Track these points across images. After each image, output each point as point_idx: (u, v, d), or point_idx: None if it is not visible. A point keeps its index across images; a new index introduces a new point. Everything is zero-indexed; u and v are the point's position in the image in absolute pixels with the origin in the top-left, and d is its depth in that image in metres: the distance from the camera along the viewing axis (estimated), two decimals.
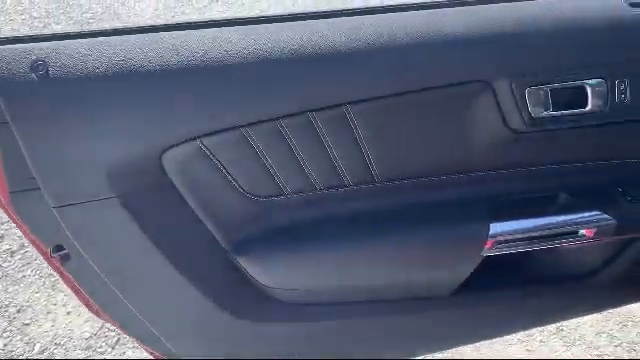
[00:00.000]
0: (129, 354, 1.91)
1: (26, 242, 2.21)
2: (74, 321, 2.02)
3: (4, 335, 1.98)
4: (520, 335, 1.90)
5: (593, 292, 1.20)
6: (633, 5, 0.91)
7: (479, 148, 0.94)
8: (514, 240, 0.98)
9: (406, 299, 1.08)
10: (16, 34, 0.78)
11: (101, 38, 0.78)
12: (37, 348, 1.95)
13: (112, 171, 0.79)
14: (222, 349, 1.02)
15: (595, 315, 1.94)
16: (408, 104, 0.87)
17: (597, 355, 1.84)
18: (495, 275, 1.13)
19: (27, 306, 2.09)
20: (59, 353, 1.93)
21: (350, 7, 0.88)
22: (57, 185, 0.79)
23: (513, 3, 0.90)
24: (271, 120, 0.84)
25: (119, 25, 0.81)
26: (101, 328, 1.98)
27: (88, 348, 1.93)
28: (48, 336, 1.98)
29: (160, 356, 1.02)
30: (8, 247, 2.30)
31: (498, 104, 0.89)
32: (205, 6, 3.96)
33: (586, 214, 1.00)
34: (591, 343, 1.87)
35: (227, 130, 0.83)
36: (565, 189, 1.02)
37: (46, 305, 2.09)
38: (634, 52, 0.91)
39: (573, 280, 1.19)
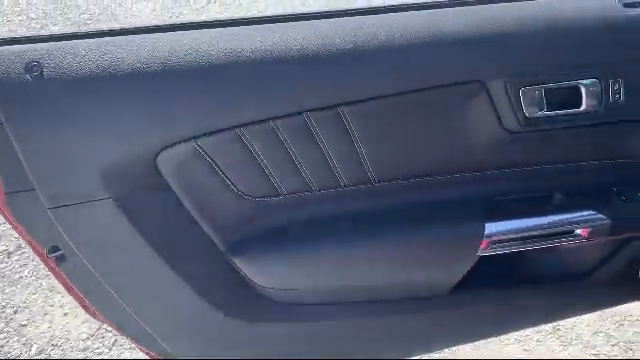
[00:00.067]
0: (126, 355, 1.91)
1: (23, 243, 2.21)
2: (71, 322, 2.02)
3: (1, 336, 1.98)
4: (517, 335, 1.90)
5: (589, 292, 1.20)
6: (627, 5, 0.92)
7: (474, 148, 0.95)
8: (509, 240, 0.99)
9: (402, 299, 1.08)
10: (11, 35, 0.78)
11: (96, 39, 0.78)
12: (34, 349, 1.95)
13: (107, 172, 0.79)
14: (218, 349, 1.03)
15: (592, 314, 1.94)
16: (403, 104, 0.88)
17: (594, 354, 1.84)
18: (491, 275, 1.13)
19: (24, 307, 2.08)
20: (56, 354, 1.93)
21: (345, 8, 0.88)
22: (52, 186, 0.79)
23: (508, 4, 0.90)
24: (266, 120, 0.84)
25: (114, 26, 0.81)
26: (98, 329, 1.98)
27: (85, 349, 1.93)
28: (45, 337, 1.98)
29: (156, 356, 1.02)
30: (5, 248, 2.29)
31: (493, 104, 0.90)
32: (203, 7, 3.96)
33: (581, 214, 1.00)
34: (588, 342, 1.88)
35: (222, 131, 0.83)
36: (560, 189, 1.03)
37: (43, 306, 2.09)
38: (628, 52, 0.92)
39: (569, 280, 1.19)
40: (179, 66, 0.77)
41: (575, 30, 0.88)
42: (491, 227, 0.96)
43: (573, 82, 0.91)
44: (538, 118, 0.91)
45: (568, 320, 1.93)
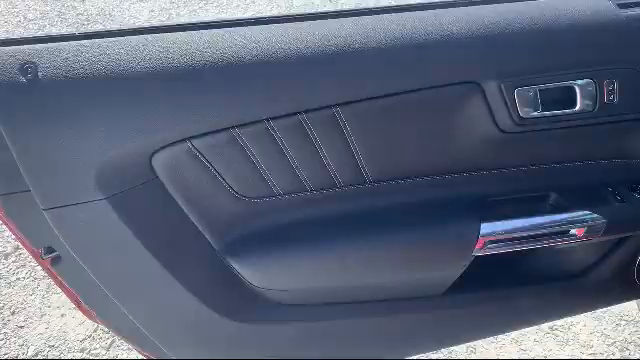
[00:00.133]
0: (124, 356, 1.91)
1: (20, 244, 2.20)
2: (68, 323, 2.02)
3: None
4: (514, 335, 1.91)
5: (585, 291, 1.20)
6: (622, 6, 0.92)
7: (469, 148, 0.95)
8: (505, 240, 0.99)
9: (398, 299, 1.09)
10: (6, 36, 0.78)
11: (91, 40, 0.78)
12: (31, 350, 1.95)
13: (102, 173, 0.79)
14: (213, 350, 1.02)
15: (588, 314, 1.95)
16: (398, 105, 0.88)
17: (591, 354, 1.85)
18: (487, 275, 1.14)
19: (21, 308, 2.08)
20: (53, 355, 1.93)
21: (339, 9, 0.88)
22: (47, 187, 0.78)
23: (502, 4, 0.90)
24: (261, 121, 0.84)
25: (108, 27, 0.81)
26: (95, 330, 1.98)
27: (82, 350, 1.93)
28: (42, 338, 1.98)
29: (152, 357, 1.02)
30: (2, 249, 2.29)
31: (488, 105, 0.90)
32: (200, 7, 3.96)
33: (576, 214, 1.00)
34: (585, 342, 1.88)
35: (217, 131, 0.83)
36: (555, 189, 1.03)
37: (40, 307, 2.08)
38: (623, 52, 0.92)
39: (565, 280, 1.19)
40: (174, 67, 0.77)
41: (570, 31, 0.88)
42: (487, 227, 0.96)
43: (568, 82, 0.91)
44: (533, 118, 0.91)
45: (565, 320, 1.93)
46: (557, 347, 1.87)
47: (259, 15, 0.86)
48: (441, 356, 1.84)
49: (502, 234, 0.98)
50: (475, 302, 1.13)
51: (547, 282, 1.18)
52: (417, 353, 1.21)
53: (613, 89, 0.92)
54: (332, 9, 0.88)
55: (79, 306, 0.99)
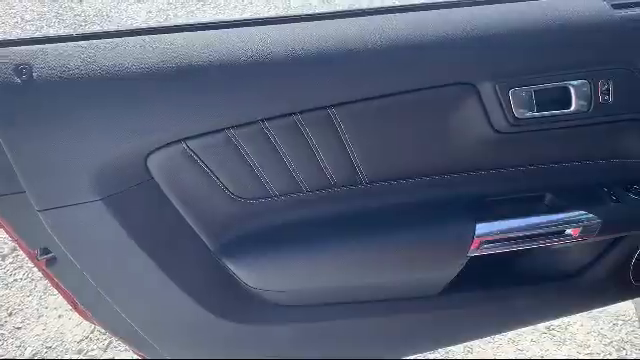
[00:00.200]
0: (121, 357, 1.91)
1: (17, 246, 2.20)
2: (66, 324, 2.02)
3: None
4: (511, 335, 1.91)
5: (581, 291, 1.21)
6: (616, 7, 0.92)
7: (465, 149, 0.95)
8: (500, 240, 0.99)
9: (394, 299, 1.09)
10: (0, 37, 0.78)
11: (85, 42, 0.78)
12: (28, 352, 1.94)
13: (97, 174, 0.79)
14: (209, 350, 1.02)
15: (585, 314, 1.95)
16: (393, 106, 0.88)
17: (588, 354, 1.85)
18: (484, 275, 1.14)
19: (19, 310, 2.08)
20: (51, 356, 1.92)
21: (335, 10, 0.88)
22: (42, 188, 0.78)
23: (497, 5, 0.91)
24: (256, 122, 0.84)
25: (103, 29, 0.81)
26: (93, 331, 1.97)
27: (80, 351, 1.93)
28: (40, 340, 1.98)
29: (147, 357, 1.02)
30: None
31: (483, 105, 0.90)
32: (198, 9, 3.96)
33: (571, 214, 1.00)
34: (582, 342, 1.89)
35: (212, 132, 0.83)
36: (550, 189, 1.03)
37: (38, 309, 2.08)
38: (617, 53, 0.92)
39: (561, 280, 1.20)
40: (169, 68, 0.77)
41: (564, 31, 0.89)
42: (482, 227, 0.97)
43: (562, 83, 0.91)
44: (528, 119, 0.92)
45: (562, 320, 1.94)
46: (554, 347, 1.87)
47: (256, 16, 0.86)
48: (438, 356, 1.85)
49: (497, 234, 0.98)
50: (471, 302, 1.14)
51: (543, 282, 1.18)
52: (414, 353, 1.21)
53: (608, 89, 0.93)
54: (329, 10, 0.88)
55: (75, 307, 0.99)
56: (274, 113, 0.84)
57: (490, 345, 1.88)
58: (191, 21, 0.84)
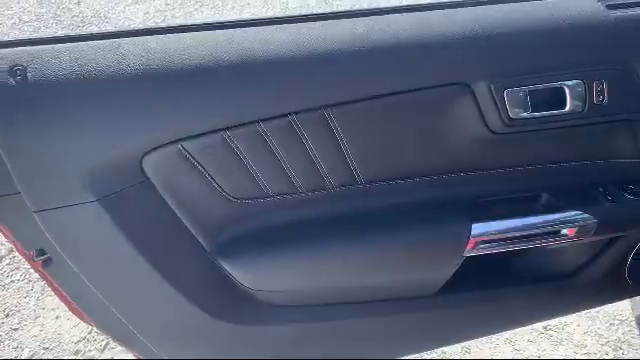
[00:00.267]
0: (118, 358, 1.91)
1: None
2: (63, 325, 2.01)
3: None
4: (508, 335, 1.91)
5: (577, 291, 1.21)
6: (610, 7, 0.92)
7: (460, 150, 0.95)
8: (496, 240, 0.99)
9: (390, 300, 1.09)
10: None
11: (80, 43, 0.78)
12: (26, 353, 1.94)
13: (93, 175, 0.79)
14: (204, 351, 1.03)
15: (582, 314, 1.95)
16: (388, 106, 0.88)
17: (584, 354, 1.85)
18: (480, 275, 1.14)
19: (16, 311, 2.08)
20: (48, 358, 1.92)
21: (330, 11, 0.88)
22: (37, 189, 0.78)
23: (491, 6, 0.91)
24: (252, 123, 0.84)
25: (98, 30, 0.81)
26: (90, 332, 1.97)
27: (77, 352, 1.92)
28: (37, 340, 1.97)
29: (141, 357, 1.02)
30: None
31: (478, 106, 0.90)
32: (196, 9, 3.96)
33: (567, 214, 1.01)
34: (578, 342, 1.89)
35: (208, 133, 0.83)
36: (546, 189, 1.04)
37: (35, 310, 2.08)
38: (611, 53, 0.93)
39: (558, 279, 1.20)
40: (164, 69, 0.77)
41: (559, 32, 0.89)
42: (478, 227, 0.97)
43: (557, 83, 0.91)
44: (523, 119, 0.92)
45: (559, 320, 1.94)
46: (551, 347, 1.88)
47: (253, 17, 0.86)
48: (435, 356, 1.85)
49: (493, 234, 0.98)
50: (468, 302, 1.14)
51: (540, 282, 1.19)
52: (411, 353, 1.21)
53: (602, 90, 0.93)
54: (324, 11, 0.89)
55: (72, 308, 0.99)
56: (269, 114, 0.84)
57: (487, 345, 1.89)
58: (188, 22, 0.84)
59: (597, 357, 1.84)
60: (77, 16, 3.86)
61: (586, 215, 1.00)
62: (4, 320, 2.04)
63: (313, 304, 1.04)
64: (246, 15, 3.83)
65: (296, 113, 0.85)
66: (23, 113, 0.75)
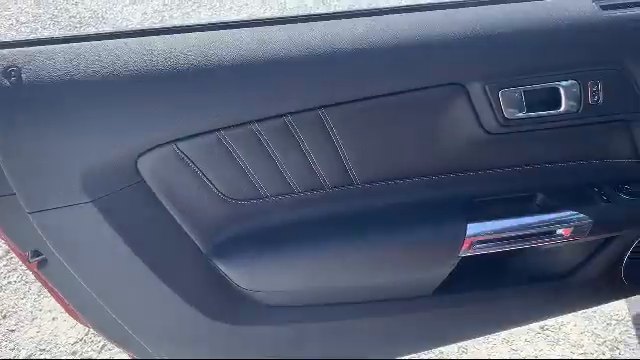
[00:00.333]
0: (115, 359, 1.90)
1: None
2: (60, 327, 2.01)
3: None
4: (505, 335, 1.91)
5: (574, 291, 1.21)
6: (604, 8, 0.93)
7: (455, 150, 0.96)
8: (491, 240, 0.99)
9: (387, 300, 1.09)
10: None
11: (74, 44, 0.78)
12: (23, 354, 1.94)
13: (88, 176, 0.79)
14: (200, 351, 1.03)
15: (579, 314, 1.96)
16: (384, 107, 0.88)
17: (581, 354, 1.86)
18: (477, 275, 1.14)
19: (12, 312, 2.07)
20: (45, 359, 1.92)
21: (325, 11, 0.88)
22: (32, 190, 0.78)
23: (486, 7, 0.91)
24: (247, 123, 0.84)
25: (92, 31, 0.81)
26: (87, 334, 1.97)
27: (74, 354, 1.92)
28: (34, 342, 1.97)
29: (137, 357, 1.02)
30: None
31: (473, 106, 0.90)
32: (193, 10, 3.96)
33: (562, 214, 1.01)
34: (575, 342, 1.89)
35: (203, 134, 0.83)
36: (541, 189, 1.04)
37: (32, 311, 2.07)
38: (606, 54, 0.93)
39: (554, 279, 1.20)
40: (159, 69, 0.77)
41: (553, 32, 0.89)
42: (473, 228, 0.97)
43: (552, 84, 0.92)
44: (518, 119, 0.92)
45: (556, 320, 1.94)
46: (548, 347, 1.88)
47: (250, 18, 0.86)
48: (432, 356, 1.85)
49: (488, 235, 0.99)
50: (465, 302, 1.14)
51: (536, 282, 1.19)
52: (408, 353, 1.21)
53: (597, 90, 0.93)
54: (320, 12, 0.89)
55: (68, 309, 0.99)
56: (265, 114, 0.84)
57: (484, 345, 1.89)
58: (185, 23, 0.84)
59: (594, 357, 1.84)
60: (75, 17, 3.85)
61: (581, 215, 1.00)
62: (1, 322, 2.04)
63: (309, 304, 1.04)
64: (244, 16, 3.83)
65: (292, 114, 0.85)
66: (18, 114, 0.74)
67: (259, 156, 0.88)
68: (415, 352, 1.25)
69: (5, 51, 0.75)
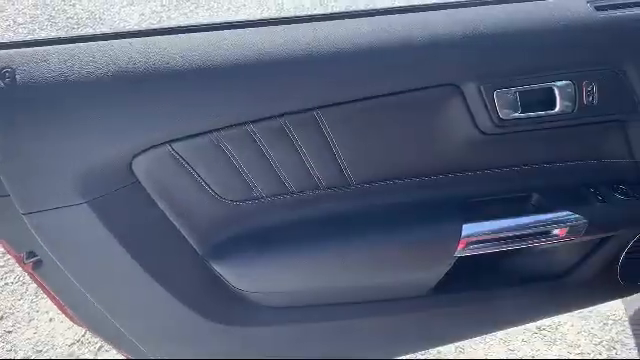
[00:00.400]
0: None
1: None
2: (57, 328, 2.01)
3: None
4: (502, 335, 1.92)
5: (570, 291, 1.21)
6: (598, 8, 0.93)
7: (451, 151, 0.96)
8: (487, 241, 1.00)
9: (383, 300, 1.09)
10: None
11: (70, 45, 0.78)
12: (20, 355, 1.93)
13: (82, 177, 0.79)
14: (195, 352, 1.03)
15: (575, 314, 1.96)
16: (379, 108, 0.88)
17: (578, 354, 1.86)
18: (473, 275, 1.14)
19: (9, 313, 2.07)
20: None
21: (320, 12, 0.88)
22: (26, 191, 0.78)
23: (481, 7, 0.91)
24: (242, 124, 0.84)
25: (87, 32, 0.81)
26: (84, 335, 1.97)
27: (71, 355, 1.92)
28: (30, 343, 1.97)
29: (131, 357, 1.02)
30: None
31: (467, 107, 0.90)
32: (191, 11, 3.95)
33: (558, 214, 1.01)
34: (572, 342, 1.89)
35: (198, 134, 0.83)
36: (536, 190, 1.04)
37: (29, 312, 2.07)
38: (600, 54, 0.93)
39: (550, 279, 1.20)
40: (154, 71, 0.77)
41: (548, 33, 0.89)
42: (468, 228, 0.97)
43: (547, 84, 0.92)
44: (513, 120, 0.92)
45: (552, 320, 1.94)
46: (545, 347, 1.88)
47: (246, 19, 0.86)
48: (429, 356, 1.85)
49: (484, 235, 0.99)
50: (462, 302, 1.14)
51: (532, 282, 1.19)
52: (405, 353, 1.21)
53: (592, 90, 0.93)
54: (317, 13, 0.89)
55: (63, 310, 0.99)
56: (260, 115, 0.84)
57: (481, 345, 1.89)
58: (180, 24, 0.84)
59: (590, 357, 1.85)
60: (72, 18, 3.85)
61: (577, 215, 1.00)
62: None
63: (304, 305, 1.04)
64: (242, 17, 3.82)
65: (287, 114, 0.85)
66: (12, 116, 0.74)
67: (254, 157, 0.88)
68: (412, 352, 1.25)
69: (0, 52, 0.75)
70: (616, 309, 1.97)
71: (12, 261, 2.24)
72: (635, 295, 1.30)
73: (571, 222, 1.01)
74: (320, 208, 0.96)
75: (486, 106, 0.90)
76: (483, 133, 0.93)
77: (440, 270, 1.03)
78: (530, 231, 1.01)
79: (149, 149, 0.82)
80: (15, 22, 3.80)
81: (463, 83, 0.88)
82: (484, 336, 1.89)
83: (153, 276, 0.89)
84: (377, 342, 1.17)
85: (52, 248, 0.83)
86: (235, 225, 0.94)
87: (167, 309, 0.93)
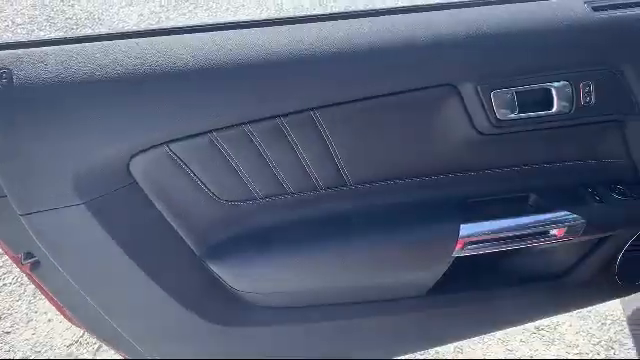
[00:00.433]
0: None
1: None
2: (55, 329, 2.01)
3: None
4: (500, 335, 1.92)
5: (568, 291, 1.21)
6: (596, 9, 0.93)
7: (448, 151, 0.96)
8: (485, 241, 1.00)
9: (381, 300, 1.09)
10: None
11: (67, 45, 0.78)
12: (18, 356, 1.93)
13: (79, 178, 0.79)
14: (193, 352, 1.03)
15: (574, 314, 1.96)
16: (376, 108, 0.88)
17: (577, 354, 1.86)
18: (471, 275, 1.14)
19: (8, 314, 2.07)
20: None
21: (317, 13, 0.88)
22: (23, 192, 0.78)
23: (479, 8, 0.91)
24: (240, 125, 0.84)
25: (85, 33, 0.81)
26: (82, 335, 1.96)
27: (69, 355, 1.92)
28: (29, 344, 1.96)
29: (128, 357, 1.02)
30: None
31: (465, 107, 0.90)
32: (190, 11, 3.95)
33: (556, 214, 1.01)
34: (570, 342, 1.89)
35: (196, 135, 0.83)
36: (534, 190, 1.04)
37: (27, 313, 2.07)
38: (598, 55, 0.93)
39: (548, 279, 1.20)
40: (151, 71, 0.77)
41: (545, 33, 0.89)
42: (466, 228, 0.97)
43: (544, 84, 0.92)
44: (510, 120, 0.92)
45: (551, 320, 1.94)
46: (543, 347, 1.88)
47: (245, 19, 0.86)
48: (428, 356, 1.85)
49: (482, 235, 0.99)
50: (460, 302, 1.14)
51: (530, 282, 1.19)
52: (404, 353, 1.21)
53: (589, 91, 0.93)
54: (315, 13, 0.89)
55: (61, 311, 0.99)
56: (258, 116, 0.84)
57: (480, 345, 1.89)
58: (179, 24, 0.84)
59: (589, 357, 1.85)
60: (71, 18, 3.85)
61: (575, 215, 1.01)
62: None
63: (302, 306, 1.04)
64: (241, 17, 3.82)
65: (284, 115, 0.85)
66: (9, 116, 0.74)
67: (252, 157, 0.88)
68: (411, 352, 1.25)
69: None
70: (614, 309, 1.97)
71: (10, 262, 2.24)
72: (633, 295, 1.30)
73: (569, 222, 1.01)
74: (318, 208, 0.96)
75: (483, 106, 0.90)
76: (481, 133, 0.93)
77: (438, 270, 1.03)
78: (528, 231, 1.01)
79: (147, 150, 0.82)
80: (14, 23, 3.80)
81: (460, 83, 0.88)
82: (482, 336, 1.89)
83: (151, 276, 0.89)
84: (376, 342, 1.17)
85: (50, 249, 0.83)
86: (233, 226, 0.94)
87: (165, 309, 0.93)
